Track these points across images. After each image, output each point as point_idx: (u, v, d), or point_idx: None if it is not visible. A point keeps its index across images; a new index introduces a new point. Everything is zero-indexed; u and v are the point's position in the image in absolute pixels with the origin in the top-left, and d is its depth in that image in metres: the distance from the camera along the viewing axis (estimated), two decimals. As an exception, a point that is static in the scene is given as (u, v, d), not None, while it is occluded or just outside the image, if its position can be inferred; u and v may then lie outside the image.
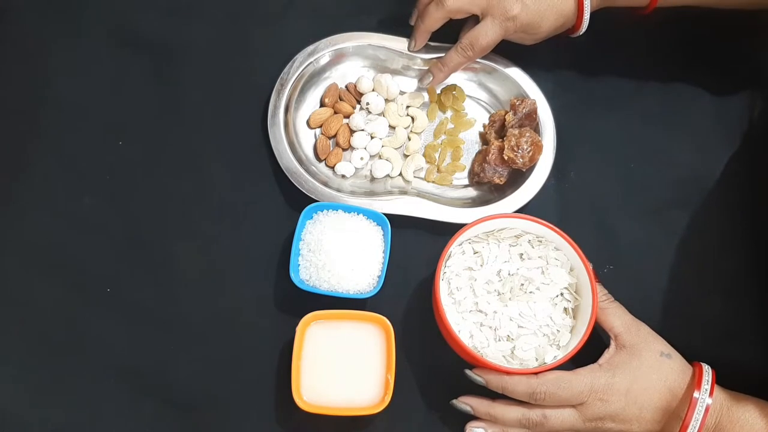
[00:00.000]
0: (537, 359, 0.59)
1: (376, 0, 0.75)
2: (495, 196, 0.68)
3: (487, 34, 0.66)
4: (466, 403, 0.60)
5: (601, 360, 0.58)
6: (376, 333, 0.61)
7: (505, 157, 0.66)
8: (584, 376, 0.57)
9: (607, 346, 0.59)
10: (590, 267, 0.60)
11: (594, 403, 0.56)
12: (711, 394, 0.55)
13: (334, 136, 0.70)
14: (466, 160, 0.70)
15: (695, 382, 0.56)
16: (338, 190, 0.67)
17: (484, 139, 0.71)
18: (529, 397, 0.57)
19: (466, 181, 0.70)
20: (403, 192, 0.68)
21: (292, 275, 0.62)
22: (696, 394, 0.55)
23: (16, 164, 0.69)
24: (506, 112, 0.69)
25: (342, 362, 0.60)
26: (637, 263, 0.67)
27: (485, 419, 0.59)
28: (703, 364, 0.57)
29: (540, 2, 0.65)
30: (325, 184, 0.67)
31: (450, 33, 0.70)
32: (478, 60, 0.70)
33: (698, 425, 0.54)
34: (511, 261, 0.61)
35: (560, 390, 0.56)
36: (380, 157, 0.70)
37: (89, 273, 0.65)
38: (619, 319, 0.59)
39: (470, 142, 0.71)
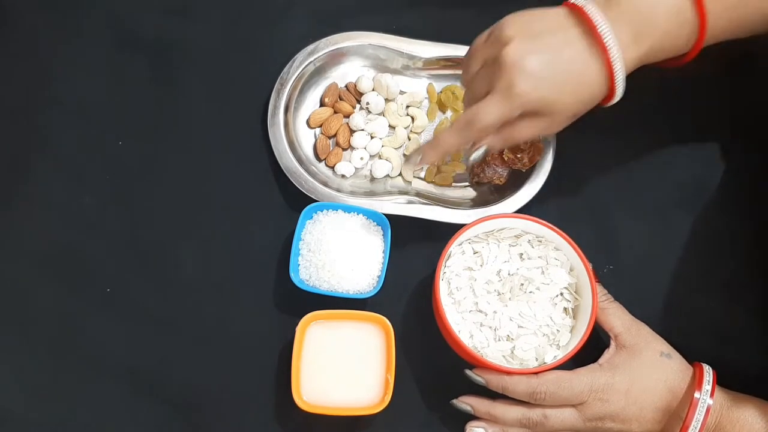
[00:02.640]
0: (537, 359, 0.59)
1: (376, 0, 0.75)
2: (495, 196, 0.68)
3: (487, 112, 0.55)
4: (466, 402, 0.60)
5: (602, 360, 0.58)
6: (376, 333, 0.61)
7: (505, 158, 0.66)
8: (584, 375, 0.57)
9: (607, 346, 0.59)
10: (590, 267, 0.60)
11: (594, 403, 0.56)
12: (712, 395, 0.55)
13: (334, 135, 0.70)
14: (466, 160, 0.70)
15: (696, 382, 0.56)
16: (338, 190, 0.67)
17: (484, 139, 0.71)
18: (530, 396, 0.57)
19: (466, 182, 0.70)
20: (403, 192, 0.68)
21: (292, 275, 0.62)
22: (697, 395, 0.55)
23: (16, 164, 0.69)
24: (506, 112, 0.69)
25: (342, 362, 0.60)
26: (637, 263, 0.67)
27: (485, 419, 0.59)
28: (703, 365, 0.57)
29: (555, 74, 0.55)
30: (325, 184, 0.67)
31: (448, 32, 0.70)
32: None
33: (699, 426, 0.54)
34: (511, 261, 0.62)
35: (560, 390, 0.56)
36: (380, 157, 0.70)
37: (89, 273, 0.65)
38: (619, 320, 0.59)
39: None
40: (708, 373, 0.56)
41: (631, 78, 0.70)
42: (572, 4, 0.56)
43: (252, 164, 0.69)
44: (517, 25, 0.56)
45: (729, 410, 0.55)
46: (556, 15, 0.56)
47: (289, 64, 0.70)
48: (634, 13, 0.55)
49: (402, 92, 0.71)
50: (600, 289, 0.60)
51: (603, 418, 0.57)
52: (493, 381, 0.58)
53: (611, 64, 0.54)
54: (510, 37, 0.55)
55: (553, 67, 0.55)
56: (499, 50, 0.55)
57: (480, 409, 0.59)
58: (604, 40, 0.54)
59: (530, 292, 0.60)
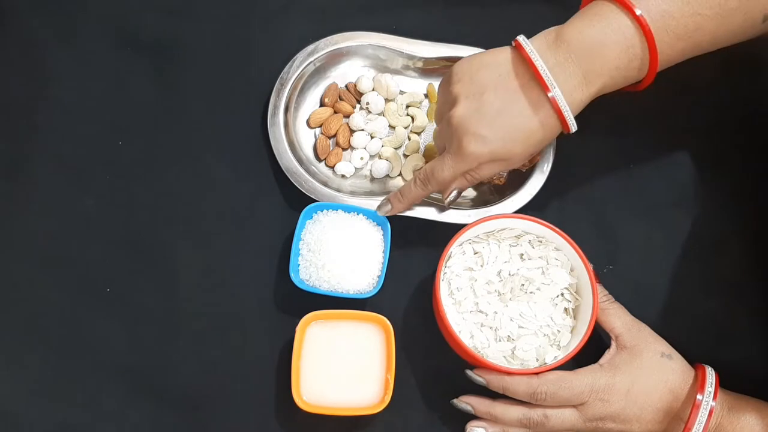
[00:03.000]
0: (537, 359, 0.59)
1: (376, 0, 0.75)
2: (495, 196, 0.68)
3: (443, 169, 0.60)
4: (466, 402, 0.60)
5: (602, 360, 0.58)
6: (376, 333, 0.61)
7: (505, 158, 0.66)
8: (585, 376, 0.57)
9: (607, 346, 0.59)
10: (590, 267, 0.60)
11: (595, 403, 0.56)
12: (715, 397, 0.55)
13: (334, 135, 0.70)
14: (466, 160, 0.70)
15: (698, 384, 0.56)
16: (338, 190, 0.67)
17: (484, 139, 0.71)
18: (530, 397, 0.57)
19: (466, 181, 0.70)
20: (403, 192, 0.68)
21: (292, 275, 0.62)
22: (699, 397, 0.55)
23: (15, 164, 0.69)
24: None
25: (342, 362, 0.60)
26: (637, 263, 0.67)
27: (486, 419, 0.59)
28: (706, 366, 0.57)
29: (502, 130, 0.57)
30: (325, 184, 0.67)
31: (448, 32, 0.70)
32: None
33: (702, 428, 0.54)
34: (512, 261, 0.61)
35: (561, 390, 0.56)
36: (380, 157, 0.70)
37: (89, 273, 0.65)
38: (619, 320, 0.59)
39: (470, 142, 0.71)
40: (711, 375, 0.56)
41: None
42: (520, 46, 0.57)
43: (252, 164, 0.69)
44: (463, 80, 0.58)
45: (729, 412, 0.55)
46: (503, 62, 0.57)
47: (289, 64, 0.70)
48: (583, 53, 0.55)
49: (402, 92, 0.71)
50: (600, 290, 0.60)
51: (603, 419, 0.57)
52: (494, 381, 0.58)
53: (560, 111, 0.56)
54: (456, 95, 0.58)
55: (499, 124, 0.57)
56: (448, 110, 0.58)
57: (480, 408, 0.59)
58: (551, 91, 0.55)
59: (531, 292, 0.60)
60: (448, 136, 0.59)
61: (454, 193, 0.62)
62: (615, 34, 0.55)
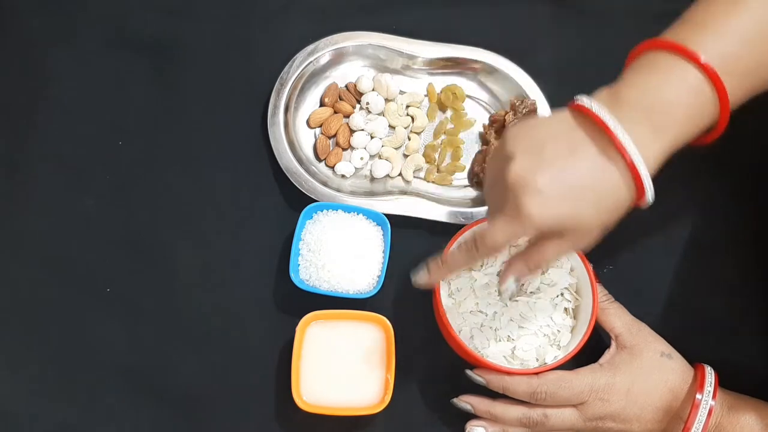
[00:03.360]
0: (537, 359, 0.59)
1: (376, 0, 0.75)
2: (495, 196, 0.67)
3: (494, 232, 0.49)
4: (466, 401, 0.60)
5: (602, 360, 0.58)
6: (376, 333, 0.61)
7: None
8: (585, 375, 0.57)
9: (607, 346, 0.59)
10: (590, 267, 0.60)
11: (594, 403, 0.56)
12: (714, 396, 0.55)
13: (334, 135, 0.70)
14: (466, 160, 0.70)
15: (698, 383, 0.56)
16: (338, 190, 0.67)
17: (484, 139, 0.71)
18: (530, 396, 0.57)
19: (466, 181, 0.70)
20: (403, 192, 0.68)
21: (292, 275, 0.62)
22: (699, 396, 0.55)
23: (15, 164, 0.69)
24: (506, 113, 0.69)
25: (342, 362, 0.60)
26: (637, 263, 0.67)
27: (486, 418, 0.59)
28: (705, 366, 0.57)
29: (568, 188, 0.47)
30: (325, 184, 0.67)
31: (448, 32, 0.70)
32: (478, 60, 0.70)
33: (701, 427, 0.54)
34: (512, 261, 0.61)
35: (561, 390, 0.56)
36: (380, 157, 0.70)
37: (89, 273, 0.65)
38: (619, 320, 0.59)
39: (470, 142, 0.71)
40: (710, 374, 0.57)
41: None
42: (577, 105, 0.49)
43: (252, 164, 0.69)
44: (519, 137, 0.50)
45: (729, 412, 0.55)
46: (561, 119, 0.50)
47: (289, 64, 0.70)
48: (647, 109, 0.48)
49: (402, 92, 0.71)
50: (600, 290, 0.60)
51: (603, 418, 0.57)
52: (494, 381, 0.58)
53: (633, 164, 0.47)
54: (512, 153, 0.49)
55: (564, 181, 0.47)
56: (503, 168, 0.49)
57: (480, 408, 0.59)
58: (620, 140, 0.47)
59: (531, 292, 0.60)
60: (502, 197, 0.49)
61: (511, 280, 0.53)
62: (681, 84, 0.48)
